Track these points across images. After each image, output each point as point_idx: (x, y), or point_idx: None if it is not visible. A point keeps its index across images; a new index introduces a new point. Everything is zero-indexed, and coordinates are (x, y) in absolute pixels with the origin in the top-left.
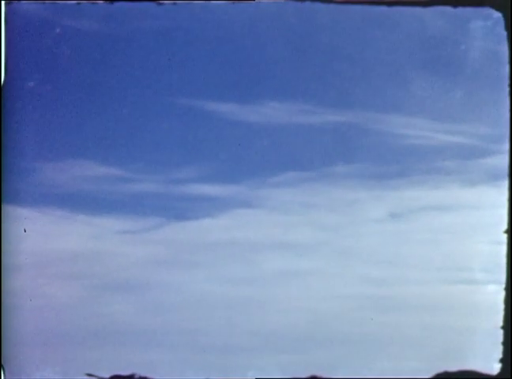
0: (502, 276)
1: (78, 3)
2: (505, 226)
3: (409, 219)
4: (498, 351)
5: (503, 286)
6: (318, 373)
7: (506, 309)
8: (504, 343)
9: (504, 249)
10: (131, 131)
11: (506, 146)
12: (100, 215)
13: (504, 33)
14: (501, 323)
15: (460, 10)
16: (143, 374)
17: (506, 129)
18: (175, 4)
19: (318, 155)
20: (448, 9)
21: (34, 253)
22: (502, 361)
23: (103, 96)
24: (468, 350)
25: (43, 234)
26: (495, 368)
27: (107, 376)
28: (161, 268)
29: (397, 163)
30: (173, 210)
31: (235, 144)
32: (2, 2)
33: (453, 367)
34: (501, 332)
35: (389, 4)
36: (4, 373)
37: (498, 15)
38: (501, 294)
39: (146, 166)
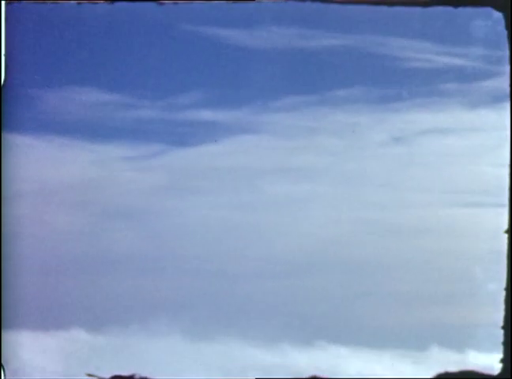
0: (505, 199)
1: (78, 3)
2: (507, 148)
3: (411, 142)
4: (499, 273)
5: (506, 208)
6: (319, 373)
7: (506, 310)
8: (504, 343)
9: (506, 171)
10: (133, 58)
11: (507, 68)
12: (102, 142)
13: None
14: (502, 247)
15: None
16: (143, 375)
17: (506, 51)
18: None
19: (319, 80)
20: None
21: (35, 180)
22: (502, 361)
23: (107, 26)
24: (469, 272)
25: (45, 162)
26: (496, 368)
27: (108, 376)
28: (163, 195)
29: (399, 87)
30: (175, 136)
31: (236, 70)
32: (2, 2)
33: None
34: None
35: (390, 4)
36: (4, 374)
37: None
38: (503, 217)
39: (148, 92)
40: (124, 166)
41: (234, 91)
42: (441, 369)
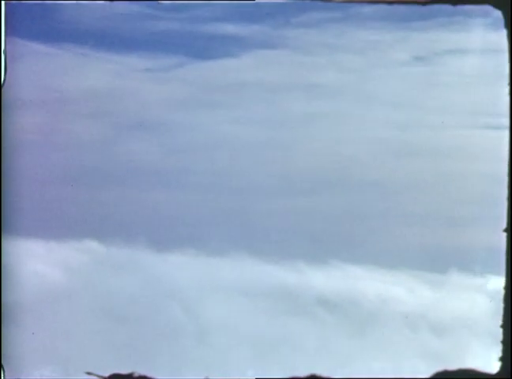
0: None
1: (78, 3)
2: None
3: (433, 62)
4: None
5: None
6: (318, 372)
7: (505, 309)
8: (503, 342)
9: None
10: None
11: None
12: (122, 53)
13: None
14: None
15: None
16: (142, 373)
17: None
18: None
19: None
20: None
21: (54, 89)
22: (501, 359)
23: None
24: (486, 194)
25: (64, 72)
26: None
27: (107, 375)
28: (182, 108)
29: (422, 4)
30: (195, 49)
31: None
32: (2, 2)
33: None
34: None
35: (390, 3)
36: (3, 374)
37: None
38: None
39: (168, 4)
40: (143, 77)
41: (255, 5)
42: (459, 293)
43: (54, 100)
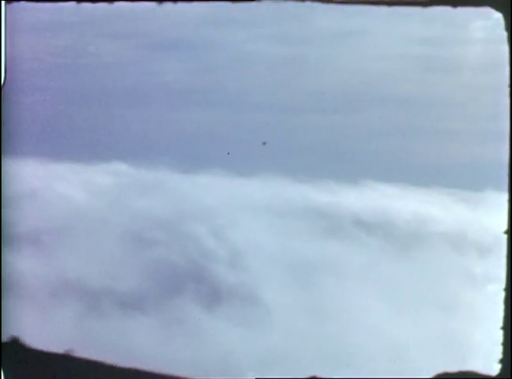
0: None
1: (78, 3)
2: None
3: None
4: None
5: None
6: (318, 374)
7: (505, 309)
8: (504, 343)
9: None
10: None
11: None
12: None
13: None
14: None
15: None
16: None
17: None
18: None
19: None
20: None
21: (79, 12)
22: (501, 361)
23: None
24: None
25: None
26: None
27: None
28: (211, 27)
29: (422, 6)
30: None
31: None
32: (2, 2)
33: None
34: None
35: (389, 4)
36: (4, 374)
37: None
38: None
39: None
40: None
41: None
42: (496, 212)
43: (80, 22)
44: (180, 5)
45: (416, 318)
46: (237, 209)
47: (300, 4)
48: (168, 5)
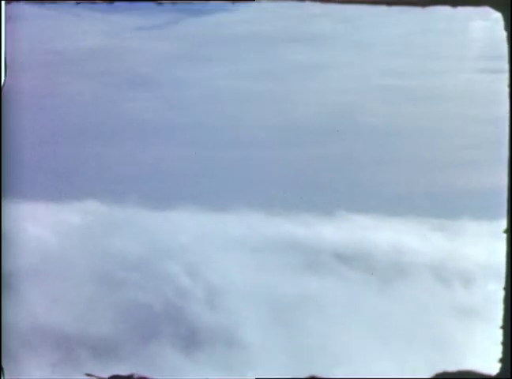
0: None
1: (78, 3)
2: None
3: (425, 8)
4: None
5: None
6: (317, 374)
7: (505, 309)
8: (503, 343)
9: None
10: None
11: None
12: (116, 12)
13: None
14: None
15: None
16: (142, 374)
17: None
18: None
19: None
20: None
21: (47, 51)
22: (501, 361)
23: None
24: (490, 137)
25: (59, 33)
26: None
27: (106, 376)
28: (178, 64)
29: (421, 6)
30: (189, 5)
31: None
32: (2, 2)
33: None
34: None
35: (389, 4)
36: (3, 374)
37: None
38: None
39: None
40: (139, 35)
41: None
42: (473, 239)
43: (51, 62)
44: (151, 44)
45: (407, 357)
46: (211, 246)
47: (269, 35)
48: (137, 41)
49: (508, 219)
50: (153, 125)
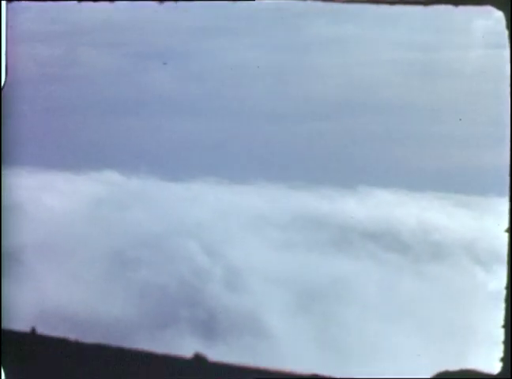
0: None
1: (78, 3)
2: None
3: None
4: None
5: None
6: (320, 371)
7: (506, 309)
8: (504, 342)
9: None
10: None
11: None
12: None
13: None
14: None
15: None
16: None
17: None
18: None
19: None
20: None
21: (67, 22)
22: (502, 360)
23: None
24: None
25: (77, 4)
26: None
27: None
28: (201, 36)
29: (423, 5)
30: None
31: None
32: (2, 2)
33: None
34: None
35: (390, 2)
36: (3, 374)
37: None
38: None
39: None
40: (159, 6)
41: None
42: (499, 216)
43: (68, 33)
44: (169, 14)
45: (450, 352)
46: (232, 221)
47: (290, 10)
48: (157, 15)
49: (509, 217)
50: (173, 97)
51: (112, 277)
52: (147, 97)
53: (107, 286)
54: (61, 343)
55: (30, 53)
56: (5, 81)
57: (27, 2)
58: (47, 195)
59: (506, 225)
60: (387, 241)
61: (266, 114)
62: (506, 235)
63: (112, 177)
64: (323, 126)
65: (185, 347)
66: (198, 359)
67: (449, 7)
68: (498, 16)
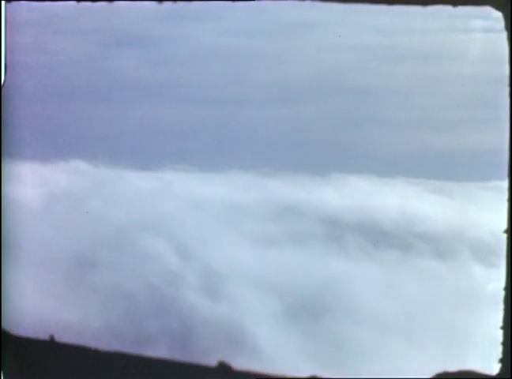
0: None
1: (78, 3)
2: None
3: None
4: (500, 99)
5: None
6: (319, 373)
7: (505, 309)
8: (504, 343)
9: None
10: None
11: None
12: None
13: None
14: (504, 73)
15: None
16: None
17: None
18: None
19: None
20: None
21: (39, 9)
22: (501, 361)
23: None
24: (472, 98)
25: None
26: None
27: None
28: (166, 22)
29: (422, 5)
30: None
31: None
32: (2, 2)
33: None
34: None
35: (389, 2)
36: (4, 374)
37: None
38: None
39: None
40: None
41: None
42: (478, 204)
43: (38, 21)
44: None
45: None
46: (204, 213)
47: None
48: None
49: (508, 217)
50: (141, 84)
51: (71, 282)
52: (115, 84)
53: (65, 293)
54: (78, 351)
55: None
56: (5, 81)
57: (27, 2)
58: (9, 187)
59: (502, 223)
60: (372, 234)
61: (236, 101)
62: (505, 236)
63: (79, 166)
64: (294, 112)
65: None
66: (223, 367)
67: (448, 7)
68: (497, 16)
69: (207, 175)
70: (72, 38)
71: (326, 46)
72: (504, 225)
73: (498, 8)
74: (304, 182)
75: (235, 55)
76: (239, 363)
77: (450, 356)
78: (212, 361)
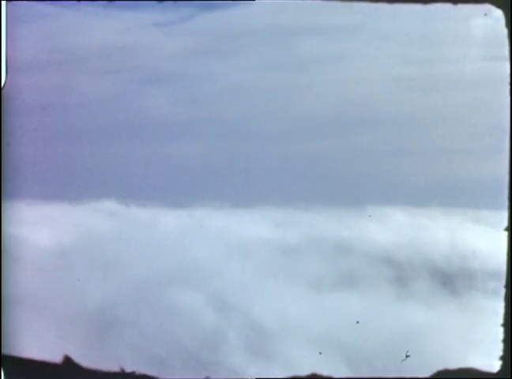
0: None
1: (78, 2)
2: None
3: None
4: None
5: None
6: (319, 371)
7: (506, 308)
8: (504, 341)
9: None
10: None
11: None
12: (132, 9)
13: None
14: None
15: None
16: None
17: None
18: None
19: None
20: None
21: (63, 50)
22: (502, 358)
23: None
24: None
25: (75, 30)
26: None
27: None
28: (195, 59)
29: (423, 3)
30: (200, 1)
31: None
32: (2, 2)
33: None
34: None
35: (390, 0)
36: (4, 374)
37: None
38: None
39: None
40: (156, 32)
41: None
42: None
43: (64, 61)
44: (167, 39)
45: None
46: (243, 255)
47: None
48: (152, 39)
49: (508, 217)
50: (170, 121)
51: (93, 344)
52: (143, 122)
53: (86, 354)
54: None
55: (24, 83)
56: (5, 81)
57: (27, 2)
58: (40, 230)
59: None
60: (437, 273)
61: (265, 136)
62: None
63: (111, 206)
64: (322, 145)
65: None
66: None
67: (448, 5)
68: (498, 14)
69: (240, 211)
70: (100, 78)
71: (354, 78)
72: None
73: (498, 6)
74: (342, 215)
75: (263, 90)
76: None
77: None
78: None
